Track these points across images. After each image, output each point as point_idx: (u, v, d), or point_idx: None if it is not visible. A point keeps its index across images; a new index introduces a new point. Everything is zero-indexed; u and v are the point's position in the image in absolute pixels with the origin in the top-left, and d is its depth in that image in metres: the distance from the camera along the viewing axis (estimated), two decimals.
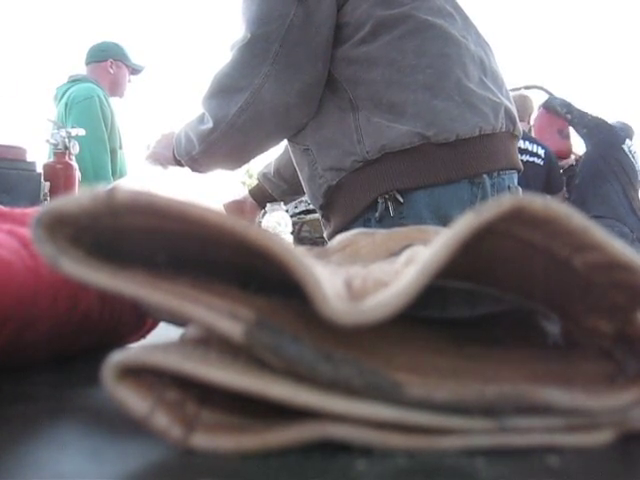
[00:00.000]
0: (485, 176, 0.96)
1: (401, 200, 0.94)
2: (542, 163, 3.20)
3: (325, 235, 1.11)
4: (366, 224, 0.97)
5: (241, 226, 0.18)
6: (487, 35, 1.06)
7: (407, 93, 0.93)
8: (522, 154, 3.16)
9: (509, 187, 1.01)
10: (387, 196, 0.95)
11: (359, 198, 0.98)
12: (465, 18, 1.01)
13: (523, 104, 3.25)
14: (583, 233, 0.19)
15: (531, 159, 3.17)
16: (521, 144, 3.18)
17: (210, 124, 0.98)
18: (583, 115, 3.27)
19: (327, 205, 1.04)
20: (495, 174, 0.98)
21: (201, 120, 1.01)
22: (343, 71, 0.96)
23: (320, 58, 0.95)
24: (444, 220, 0.88)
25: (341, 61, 0.96)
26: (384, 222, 0.94)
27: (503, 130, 0.97)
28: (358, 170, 0.96)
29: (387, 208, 0.95)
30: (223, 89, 0.97)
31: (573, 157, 3.47)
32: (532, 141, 3.26)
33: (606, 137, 3.16)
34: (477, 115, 0.94)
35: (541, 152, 3.21)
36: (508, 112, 0.99)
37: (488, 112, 0.95)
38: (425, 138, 0.92)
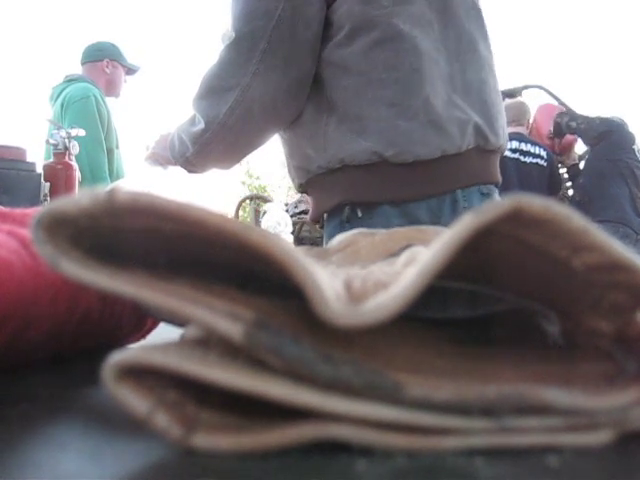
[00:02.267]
0: (448, 195, 0.94)
1: (359, 214, 0.96)
2: (545, 164, 3.24)
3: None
4: (340, 227, 0.99)
5: (241, 228, 0.18)
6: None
7: (373, 108, 0.92)
8: (526, 156, 3.19)
9: (480, 201, 0.98)
10: (348, 207, 0.97)
11: (324, 200, 1.02)
12: (445, 26, 0.96)
13: (520, 110, 3.27)
14: (582, 234, 0.19)
15: (534, 160, 3.20)
16: (524, 147, 3.21)
17: (202, 125, 0.98)
18: (590, 121, 3.27)
19: (306, 193, 1.09)
20: (459, 192, 0.95)
21: (192, 122, 1.01)
22: (323, 71, 0.96)
23: (309, 53, 0.94)
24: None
25: (323, 60, 0.96)
26: (353, 225, 0.95)
27: (471, 147, 0.95)
28: (322, 175, 0.99)
29: (351, 216, 0.98)
30: (212, 89, 0.97)
31: (576, 155, 3.49)
32: (534, 143, 3.28)
33: (617, 139, 3.15)
34: (441, 136, 0.92)
35: (543, 153, 3.24)
36: (478, 128, 0.96)
37: (454, 132, 0.93)
38: (382, 157, 0.91)
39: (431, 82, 0.92)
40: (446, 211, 0.94)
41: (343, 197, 0.98)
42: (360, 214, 0.96)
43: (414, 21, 0.93)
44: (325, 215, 1.03)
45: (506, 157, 3.11)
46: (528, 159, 3.19)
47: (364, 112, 0.92)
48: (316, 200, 1.06)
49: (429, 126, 0.91)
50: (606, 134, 3.17)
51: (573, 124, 3.26)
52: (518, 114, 3.18)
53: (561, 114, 3.32)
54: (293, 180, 1.09)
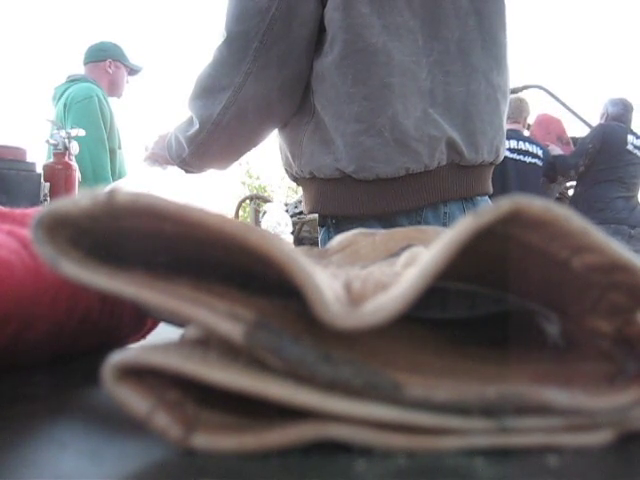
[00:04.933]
0: (426, 206, 0.92)
1: (333, 222, 0.97)
2: (542, 164, 3.25)
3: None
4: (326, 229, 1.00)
5: (240, 229, 0.18)
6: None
7: (340, 122, 0.91)
8: (525, 156, 3.21)
9: (452, 218, 0.94)
10: (321, 219, 0.99)
11: (306, 203, 1.03)
12: (430, 35, 0.90)
13: (519, 107, 3.28)
14: (582, 235, 0.19)
15: (533, 160, 3.22)
16: (522, 146, 3.22)
17: (196, 125, 0.98)
18: (583, 141, 3.30)
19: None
20: (440, 204, 0.93)
21: (189, 123, 1.01)
22: (310, 76, 0.95)
23: (305, 52, 0.93)
24: None
25: (311, 64, 0.95)
26: (333, 234, 0.95)
27: (443, 164, 0.91)
28: (298, 180, 1.02)
29: (326, 223, 0.99)
30: (206, 89, 0.96)
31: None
32: (531, 142, 3.30)
33: (611, 148, 3.17)
34: (406, 155, 0.89)
35: (540, 152, 3.27)
36: (452, 144, 0.91)
37: (421, 151, 0.89)
38: (344, 173, 0.91)
39: (402, 98, 0.89)
40: (428, 221, 0.93)
41: (314, 207, 0.99)
42: (333, 222, 0.97)
43: (392, 32, 0.89)
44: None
45: (506, 157, 3.12)
46: (527, 159, 3.21)
47: (333, 124, 0.91)
48: (303, 198, 1.07)
49: (394, 144, 0.89)
50: (602, 145, 3.19)
51: (570, 172, 3.32)
52: (515, 111, 3.19)
53: (556, 157, 3.36)
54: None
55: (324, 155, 0.93)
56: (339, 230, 0.94)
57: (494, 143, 0.97)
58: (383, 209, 0.92)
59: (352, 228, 0.97)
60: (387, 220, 0.93)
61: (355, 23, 0.88)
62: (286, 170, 1.06)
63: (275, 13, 0.89)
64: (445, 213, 0.94)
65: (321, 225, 1.02)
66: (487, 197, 1.01)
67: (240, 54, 0.92)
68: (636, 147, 3.30)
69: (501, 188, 2.87)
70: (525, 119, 3.38)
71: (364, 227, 0.92)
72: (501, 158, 1.01)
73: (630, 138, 3.30)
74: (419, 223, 0.93)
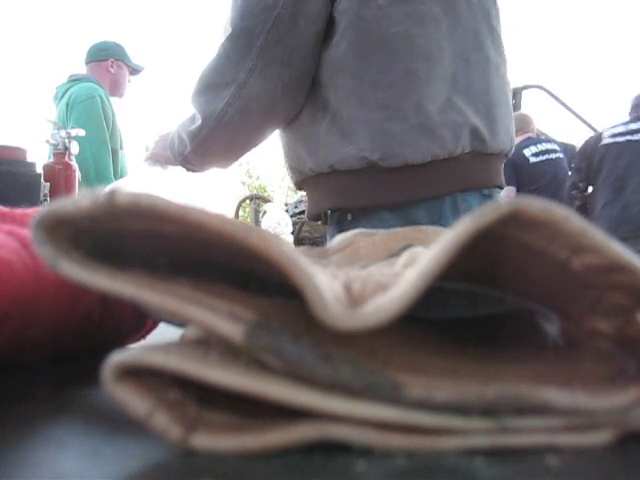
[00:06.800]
0: (447, 197, 0.93)
1: (349, 218, 0.95)
2: (563, 156, 3.35)
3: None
4: (336, 227, 0.99)
5: (241, 230, 0.18)
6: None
7: (364, 110, 0.90)
8: (550, 154, 3.33)
9: (473, 207, 0.95)
10: (337, 212, 0.97)
11: (316, 202, 1.02)
12: (453, 23, 0.93)
13: (524, 119, 3.40)
14: (581, 235, 0.19)
15: (556, 156, 3.32)
16: (542, 147, 3.34)
17: (199, 121, 0.97)
18: (577, 158, 3.35)
19: (301, 189, 1.09)
20: (458, 195, 0.93)
21: (192, 119, 1.00)
22: (319, 70, 0.95)
23: (310, 51, 0.92)
24: None
25: (321, 58, 0.94)
26: (345, 228, 0.94)
27: (466, 151, 0.93)
28: (313, 177, 0.99)
29: (340, 220, 0.97)
30: (209, 85, 0.96)
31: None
32: (547, 140, 3.41)
33: (597, 156, 3.19)
34: (432, 140, 0.90)
35: (557, 147, 3.37)
36: (475, 131, 0.93)
37: (446, 136, 0.90)
38: (371, 162, 0.91)
39: (427, 83, 0.90)
40: (446, 213, 0.93)
41: (332, 203, 0.98)
42: (350, 218, 0.96)
43: (414, 19, 0.90)
44: (329, 212, 1.02)
45: (535, 163, 3.20)
46: (553, 156, 3.33)
47: (355, 114, 0.91)
48: (310, 199, 1.05)
49: (420, 130, 0.90)
50: (590, 157, 3.22)
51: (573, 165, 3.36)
52: (522, 123, 3.27)
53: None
54: (290, 177, 1.09)
55: (346, 146, 0.92)
56: (355, 226, 0.93)
57: (510, 131, 1.00)
58: (406, 198, 0.92)
59: (369, 223, 0.95)
60: (407, 211, 0.92)
61: (373, 14, 0.89)
62: (292, 170, 1.04)
63: (281, 10, 0.89)
64: (464, 203, 0.94)
65: (334, 222, 0.99)
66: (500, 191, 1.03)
67: (245, 50, 0.91)
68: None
69: (537, 191, 2.96)
70: (533, 129, 3.45)
71: (382, 221, 0.92)
72: (513, 149, 1.03)
73: None
74: (439, 214, 0.93)
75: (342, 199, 0.96)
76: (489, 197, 0.98)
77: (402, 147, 0.89)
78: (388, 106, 0.90)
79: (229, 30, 0.93)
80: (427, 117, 0.90)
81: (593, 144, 3.12)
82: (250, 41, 0.91)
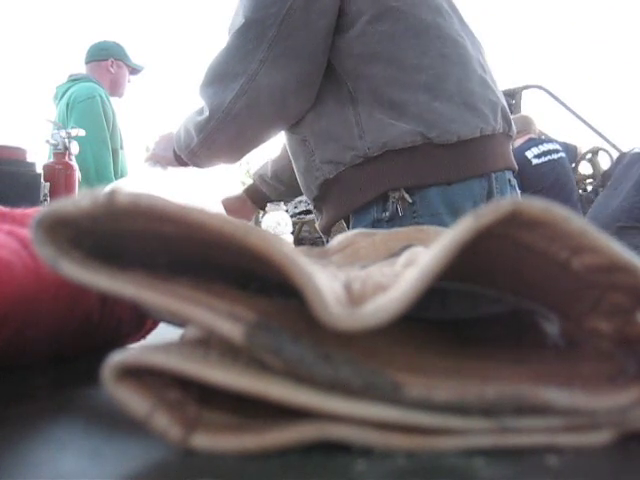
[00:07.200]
0: (492, 174, 0.96)
1: (409, 200, 0.93)
2: (565, 155, 3.36)
3: (317, 225, 1.10)
4: (375, 224, 0.95)
5: (241, 230, 0.18)
6: (484, 34, 1.07)
7: (408, 93, 0.92)
8: (552, 154, 3.33)
9: (509, 186, 1.01)
10: (395, 195, 0.94)
11: (357, 194, 0.97)
12: (461, 19, 1.01)
13: (525, 121, 3.43)
14: (582, 235, 0.19)
15: (558, 155, 3.34)
16: (544, 147, 3.32)
17: (207, 113, 0.96)
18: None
19: (321, 197, 1.03)
20: (492, 177, 0.97)
21: (200, 112, 0.99)
22: (342, 62, 0.94)
23: (321, 44, 0.92)
24: (459, 214, 0.83)
25: (340, 51, 0.94)
26: (395, 222, 0.93)
27: (501, 131, 0.97)
28: (358, 165, 0.95)
29: (397, 207, 0.94)
30: (218, 76, 0.94)
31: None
32: (549, 141, 3.42)
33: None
34: (477, 116, 0.93)
35: (559, 147, 3.38)
36: (504, 112, 0.99)
37: (488, 113, 0.95)
38: (427, 138, 0.91)
39: (461, 65, 0.94)
40: (483, 197, 0.95)
41: (381, 187, 0.94)
42: (402, 209, 0.94)
43: (434, 11, 0.95)
44: (350, 215, 0.99)
45: (538, 164, 3.21)
46: (555, 156, 3.34)
47: (399, 97, 0.92)
48: (341, 198, 0.99)
49: (464, 107, 0.93)
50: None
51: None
52: (523, 125, 3.28)
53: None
54: (308, 188, 1.03)
55: (397, 126, 0.92)
56: (414, 210, 0.93)
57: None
58: (462, 173, 0.94)
59: (426, 199, 0.94)
60: (453, 190, 0.93)
61: (400, 4, 0.93)
62: (327, 165, 0.97)
63: (294, 2, 0.89)
64: (497, 183, 0.98)
65: (379, 210, 0.96)
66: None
67: (256, 41, 0.90)
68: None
69: (544, 193, 2.97)
70: (535, 130, 3.46)
71: (438, 200, 0.93)
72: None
73: None
74: (480, 196, 0.95)
75: (396, 179, 0.94)
76: (513, 187, 1.03)
77: (453, 123, 0.92)
78: (432, 88, 0.92)
79: (242, 20, 0.92)
80: (469, 95, 0.94)
81: None
82: (262, 32, 0.90)
